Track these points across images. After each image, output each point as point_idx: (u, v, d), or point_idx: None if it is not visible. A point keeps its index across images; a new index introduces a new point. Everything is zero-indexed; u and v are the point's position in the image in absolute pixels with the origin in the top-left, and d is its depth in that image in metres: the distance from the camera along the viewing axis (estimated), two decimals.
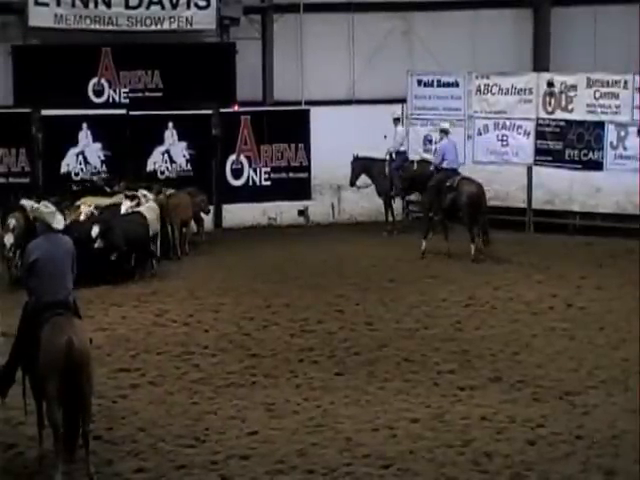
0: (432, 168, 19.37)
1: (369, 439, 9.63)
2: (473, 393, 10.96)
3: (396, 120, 21.66)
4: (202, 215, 20.56)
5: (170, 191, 19.80)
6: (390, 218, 21.56)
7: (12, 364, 8.98)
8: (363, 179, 21.85)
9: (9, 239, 16.51)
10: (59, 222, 8.93)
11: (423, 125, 22.54)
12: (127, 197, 18.35)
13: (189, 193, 20.11)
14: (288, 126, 22.96)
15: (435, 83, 22.53)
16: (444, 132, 19.67)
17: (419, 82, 22.66)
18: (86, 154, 22.36)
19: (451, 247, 18.37)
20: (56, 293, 8.71)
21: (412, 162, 21.43)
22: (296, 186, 23.11)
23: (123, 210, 17.84)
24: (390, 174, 21.35)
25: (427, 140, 22.44)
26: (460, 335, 13.39)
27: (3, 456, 9.25)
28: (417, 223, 21.60)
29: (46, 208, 9.05)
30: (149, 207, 18.16)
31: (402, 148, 21.73)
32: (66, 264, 8.81)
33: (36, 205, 9.67)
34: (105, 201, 18.77)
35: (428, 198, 19.19)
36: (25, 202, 16.99)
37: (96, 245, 16.33)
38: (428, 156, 21.30)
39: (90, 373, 8.69)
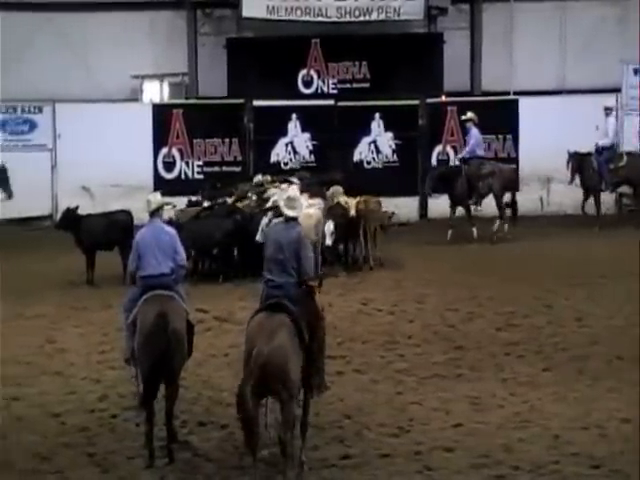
0: (461, 157, 20.28)
1: (578, 437, 9.37)
2: None
3: (607, 110, 20.71)
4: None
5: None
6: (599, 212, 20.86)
7: None
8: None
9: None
10: (292, 210, 8.76)
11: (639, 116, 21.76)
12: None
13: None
14: (496, 116, 22.61)
15: None
16: (471, 121, 19.87)
17: (635, 71, 21.87)
18: (295, 144, 22.85)
19: None
20: (275, 279, 8.64)
21: (621, 154, 20.62)
22: None
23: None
24: (599, 167, 20.50)
25: None
26: None
27: (216, 436, 9.52)
28: (630, 216, 20.89)
29: (283, 195, 8.95)
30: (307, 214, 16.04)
31: (612, 141, 20.75)
32: (288, 252, 8.62)
33: (279, 192, 9.59)
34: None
35: (466, 187, 19.65)
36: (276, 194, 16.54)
37: (328, 241, 15.95)
38: None
39: (286, 377, 8.29)
